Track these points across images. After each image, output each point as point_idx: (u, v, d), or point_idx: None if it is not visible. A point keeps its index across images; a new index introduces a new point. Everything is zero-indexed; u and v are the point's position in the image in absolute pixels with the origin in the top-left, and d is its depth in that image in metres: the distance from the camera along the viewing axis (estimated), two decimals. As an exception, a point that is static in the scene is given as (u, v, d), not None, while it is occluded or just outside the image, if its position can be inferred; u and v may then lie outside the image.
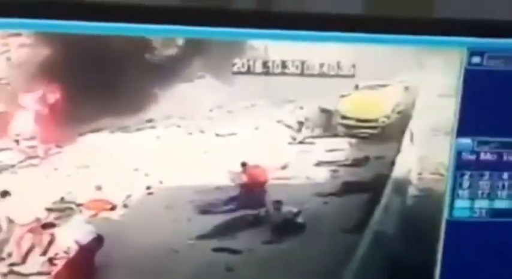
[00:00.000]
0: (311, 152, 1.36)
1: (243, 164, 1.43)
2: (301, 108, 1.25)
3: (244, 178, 1.51)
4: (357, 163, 1.27)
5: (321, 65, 1.16)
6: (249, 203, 1.50)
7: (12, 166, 1.52)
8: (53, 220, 1.47)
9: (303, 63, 1.17)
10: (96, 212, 1.60)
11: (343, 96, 1.19)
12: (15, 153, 1.76)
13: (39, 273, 1.48)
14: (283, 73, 1.18)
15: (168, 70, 1.22)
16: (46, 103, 1.32)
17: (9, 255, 1.57)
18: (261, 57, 1.16)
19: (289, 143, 1.38)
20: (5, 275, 1.53)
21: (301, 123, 1.42)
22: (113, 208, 1.67)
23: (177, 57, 1.20)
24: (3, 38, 1.12)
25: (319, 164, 1.31)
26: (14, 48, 1.19)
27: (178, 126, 1.35)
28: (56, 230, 1.46)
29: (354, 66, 1.15)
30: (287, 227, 1.57)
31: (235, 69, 1.18)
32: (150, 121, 1.34)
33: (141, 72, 1.21)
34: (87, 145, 1.37)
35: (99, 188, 1.56)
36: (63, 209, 1.58)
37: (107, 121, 1.33)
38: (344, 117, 1.23)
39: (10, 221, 1.55)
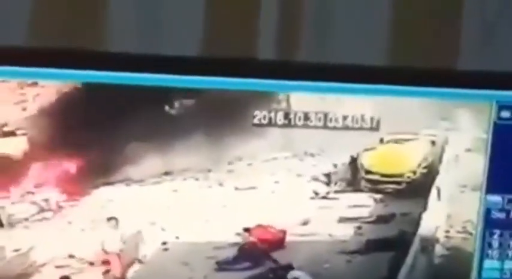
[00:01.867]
0: (334, 208, 1.31)
1: (246, 230, 1.41)
2: (324, 162, 1.22)
3: (256, 238, 1.47)
4: (381, 219, 1.23)
5: (345, 117, 1.13)
6: (267, 262, 1.44)
7: (26, 219, 1.48)
8: (68, 275, 1.43)
9: (325, 115, 1.14)
10: (108, 269, 1.54)
11: (367, 149, 1.16)
12: (28, 206, 1.71)
13: None
14: (305, 126, 1.15)
15: (187, 122, 1.20)
16: (61, 155, 1.28)
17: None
18: (282, 108, 1.14)
19: (311, 198, 1.34)
20: None
21: (323, 178, 1.36)
22: (128, 265, 1.56)
23: (196, 108, 1.18)
24: (20, 88, 1.10)
25: (342, 220, 1.26)
26: (31, 97, 1.13)
27: (197, 179, 1.31)
28: None
29: (378, 119, 1.12)
30: None
31: (255, 120, 1.15)
32: (167, 174, 1.30)
33: (159, 123, 1.18)
34: (102, 198, 1.33)
35: (112, 243, 1.48)
36: (76, 265, 1.51)
37: (123, 174, 1.29)
38: (368, 172, 1.20)
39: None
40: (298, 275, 1.61)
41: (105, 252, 1.51)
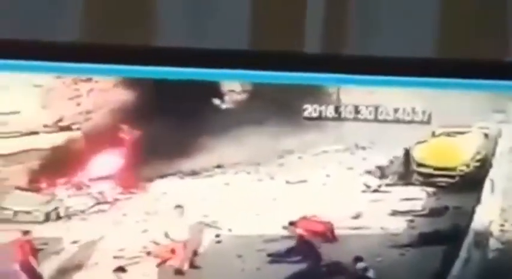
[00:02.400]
0: (385, 201, 1.29)
1: (292, 223, 1.38)
2: (375, 155, 1.21)
3: (304, 231, 1.45)
4: (434, 213, 1.21)
5: (396, 110, 1.11)
6: (318, 254, 1.41)
7: (82, 211, 1.52)
8: (123, 266, 1.45)
9: (376, 108, 1.13)
10: (164, 260, 1.55)
11: (419, 142, 1.14)
12: (85, 199, 1.75)
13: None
14: (355, 119, 1.14)
15: (238, 116, 1.19)
16: (115, 149, 1.30)
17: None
18: (333, 102, 1.13)
19: (362, 191, 1.32)
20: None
21: (374, 171, 1.35)
22: (189, 256, 1.53)
23: (247, 102, 1.17)
24: (75, 83, 1.11)
25: (394, 213, 1.24)
26: (85, 93, 1.18)
27: (248, 173, 1.31)
28: (124, 277, 1.44)
29: (430, 112, 1.11)
30: None
31: (306, 114, 1.14)
32: (219, 167, 1.31)
33: (210, 117, 1.19)
34: (156, 191, 1.34)
35: (167, 235, 1.51)
36: (131, 257, 1.53)
37: (176, 167, 1.30)
38: (420, 165, 1.18)
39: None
40: (365, 266, 1.56)
41: (160, 243, 1.52)
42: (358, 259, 1.44)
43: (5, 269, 1.82)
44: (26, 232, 1.99)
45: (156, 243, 1.47)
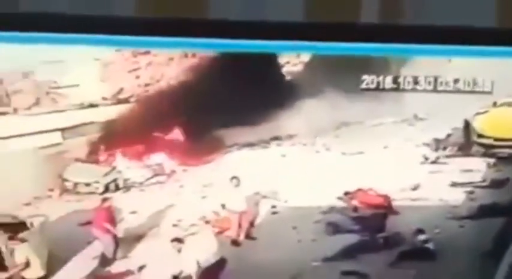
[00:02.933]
0: (444, 173, 1.28)
1: (347, 193, 1.38)
2: (433, 126, 1.20)
3: (361, 202, 1.45)
4: (495, 184, 1.19)
5: (456, 81, 1.10)
6: (375, 226, 1.41)
7: (141, 183, 1.58)
8: (180, 237, 1.47)
9: (436, 78, 1.11)
10: (221, 231, 1.57)
11: (479, 113, 1.12)
12: (143, 171, 1.80)
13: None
14: (414, 90, 1.13)
15: (295, 87, 1.19)
16: (173, 121, 1.31)
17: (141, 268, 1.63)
18: (391, 72, 1.12)
19: (421, 163, 1.30)
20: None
21: (433, 142, 1.34)
22: (246, 226, 1.62)
23: (303, 73, 1.17)
24: (134, 56, 1.12)
25: (453, 185, 1.23)
26: (144, 66, 1.18)
27: (304, 144, 1.31)
28: (182, 247, 1.47)
29: (491, 81, 1.09)
30: (417, 251, 1.50)
31: (363, 85, 1.13)
32: (275, 138, 1.32)
33: (267, 90, 1.18)
34: (212, 163, 1.36)
35: (223, 206, 1.54)
36: (188, 227, 1.57)
37: (232, 139, 1.31)
38: (481, 136, 1.17)
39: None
40: (425, 238, 1.57)
41: (217, 215, 1.54)
42: (420, 231, 1.44)
43: (86, 236, 1.97)
44: (104, 199, 2.10)
45: (213, 215, 1.49)
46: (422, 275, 1.42)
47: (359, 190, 1.31)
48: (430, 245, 1.57)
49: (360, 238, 1.38)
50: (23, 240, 2.25)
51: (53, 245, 1.99)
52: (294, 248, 1.40)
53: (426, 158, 1.30)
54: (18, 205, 2.80)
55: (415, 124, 1.22)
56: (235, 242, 1.69)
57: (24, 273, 2.28)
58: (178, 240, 1.72)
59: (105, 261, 2.00)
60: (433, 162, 1.29)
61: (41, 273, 2.22)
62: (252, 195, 1.38)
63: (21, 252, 2.15)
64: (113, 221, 2.03)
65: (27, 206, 2.97)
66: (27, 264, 2.31)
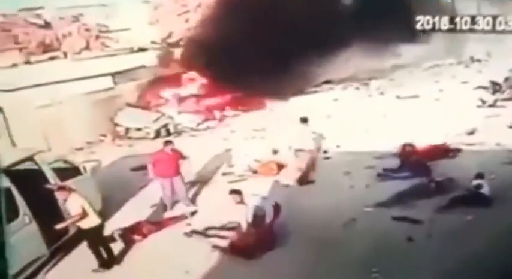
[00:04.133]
0: (502, 116, 2.65)
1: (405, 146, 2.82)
2: (492, 68, 3.07)
3: (415, 149, 3.20)
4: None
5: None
6: (429, 171, 2.83)
7: (192, 128, 4.61)
8: (238, 189, 3.29)
9: (494, 18, 2.76)
10: (271, 175, 4.47)
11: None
12: (194, 116, 4.95)
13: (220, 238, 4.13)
14: (472, 30, 2.97)
15: (348, 29, 3.24)
16: (222, 65, 3.70)
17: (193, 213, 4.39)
18: (447, 12, 3.05)
19: (478, 106, 3.03)
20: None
21: (491, 85, 3.31)
22: (281, 168, 4.58)
23: (356, 14, 3.31)
24: (183, -1, 3.56)
25: (511, 129, 2.29)
26: (193, 9, 3.73)
27: (357, 88, 3.72)
28: (236, 196, 3.40)
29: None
30: (472, 197, 2.90)
31: (418, 26, 3.15)
32: (327, 82, 3.75)
33: (318, 32, 3.19)
34: (264, 108, 4.10)
35: (275, 152, 4.26)
36: (240, 173, 4.52)
37: (284, 84, 3.63)
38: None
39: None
40: (481, 183, 3.28)
41: (268, 160, 4.83)
42: (479, 176, 2.89)
43: (138, 180, 5.68)
44: (167, 142, 5.80)
45: (264, 159, 4.23)
46: (478, 220, 2.70)
47: (413, 135, 2.56)
48: (485, 191, 3.19)
49: (413, 184, 2.94)
50: (75, 190, 5.31)
51: (106, 190, 4.67)
52: (346, 194, 3.10)
53: (483, 102, 3.34)
54: (71, 150, 7.17)
55: (472, 66, 3.34)
56: (287, 186, 4.22)
57: (81, 223, 5.23)
58: (236, 192, 4.35)
59: (165, 204, 5.19)
60: (491, 105, 3.21)
61: (96, 220, 5.00)
62: (303, 140, 3.11)
63: (75, 200, 4.80)
64: (177, 164, 4.96)
65: (80, 151, 8.59)
66: (83, 214, 5.31)
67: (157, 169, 6.91)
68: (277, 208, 4.83)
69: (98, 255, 6.03)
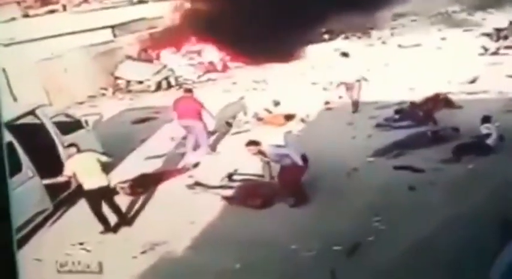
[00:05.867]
0: (505, 65, 2.66)
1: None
2: (494, 15, 3.00)
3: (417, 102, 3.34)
4: None
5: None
6: (431, 120, 2.86)
7: (192, 80, 4.75)
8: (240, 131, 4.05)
9: None
10: (273, 126, 4.76)
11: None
12: (194, 68, 5.17)
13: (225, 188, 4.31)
14: None
15: None
16: (226, 18, 3.97)
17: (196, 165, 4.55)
18: None
19: (480, 54, 3.10)
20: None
21: (493, 32, 3.24)
22: (289, 118, 4.73)
23: None
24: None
25: None
26: None
27: (359, 37, 3.63)
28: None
29: None
30: (476, 145, 2.96)
31: None
32: (327, 32, 3.46)
33: None
34: (263, 61, 4.31)
35: (277, 103, 4.41)
36: (244, 123, 4.76)
37: (285, 36, 3.50)
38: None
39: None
40: (489, 127, 3.36)
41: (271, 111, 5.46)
42: (486, 119, 2.84)
43: (139, 133, 5.85)
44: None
45: (267, 111, 4.44)
46: (480, 168, 2.76)
47: (415, 84, 2.79)
48: (493, 139, 3.20)
49: (416, 133, 3.03)
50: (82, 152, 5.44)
51: (108, 143, 4.68)
52: (349, 144, 3.16)
53: (486, 49, 3.28)
54: (72, 104, 7.19)
55: (475, 13, 3.12)
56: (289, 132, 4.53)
57: (85, 184, 5.31)
58: (253, 143, 4.44)
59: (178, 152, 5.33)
60: (493, 53, 3.16)
61: (103, 181, 5.07)
62: (304, 90, 3.67)
63: (71, 163, 4.95)
64: (199, 110, 5.19)
65: (81, 104, 8.58)
66: (67, 179, 5.52)
67: (181, 112, 7.15)
68: (305, 159, 4.86)
69: (102, 219, 5.93)
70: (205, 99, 6.57)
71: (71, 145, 5.97)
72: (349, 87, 6.47)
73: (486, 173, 4.57)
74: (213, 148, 7.70)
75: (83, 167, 5.75)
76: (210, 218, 5.37)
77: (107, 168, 6.01)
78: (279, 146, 5.17)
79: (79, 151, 5.89)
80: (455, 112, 5.81)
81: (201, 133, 7.15)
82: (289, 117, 7.40)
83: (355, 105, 6.89)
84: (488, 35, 8.91)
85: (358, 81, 6.85)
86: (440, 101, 6.02)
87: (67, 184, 6.09)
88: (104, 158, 5.92)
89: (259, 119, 7.49)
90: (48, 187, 5.98)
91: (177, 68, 9.10)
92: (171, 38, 8.23)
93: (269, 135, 6.01)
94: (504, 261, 2.22)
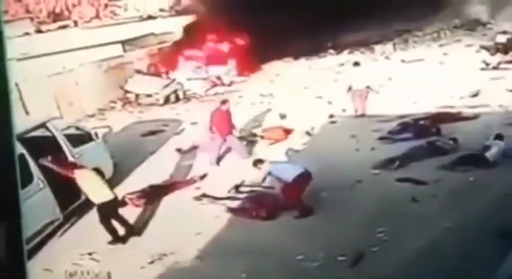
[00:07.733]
0: (506, 79, 2.75)
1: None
2: (495, 30, 2.95)
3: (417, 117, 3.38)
4: None
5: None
6: (433, 134, 3.15)
7: (200, 94, 4.73)
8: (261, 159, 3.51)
9: None
10: (273, 142, 4.79)
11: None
12: (202, 82, 5.39)
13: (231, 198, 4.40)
14: None
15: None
16: (233, 31, 3.86)
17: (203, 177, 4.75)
18: None
19: (481, 69, 3.12)
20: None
21: (495, 47, 3.25)
22: (288, 132, 4.81)
23: None
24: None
25: None
26: None
27: (362, 52, 3.48)
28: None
29: None
30: (476, 158, 3.19)
31: None
32: (333, 48, 3.44)
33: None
34: (271, 73, 3.92)
35: (283, 116, 4.52)
36: (247, 137, 4.70)
37: (291, 49, 3.63)
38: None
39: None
40: (497, 143, 3.61)
41: (276, 125, 5.40)
42: (499, 137, 2.97)
43: (148, 146, 5.98)
44: (223, 102, 5.88)
45: (271, 124, 4.36)
46: (480, 181, 2.86)
47: (417, 98, 2.86)
48: (492, 153, 3.36)
49: (417, 145, 3.18)
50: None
51: (117, 156, 4.84)
52: (352, 157, 3.34)
53: (487, 64, 3.32)
54: (83, 117, 7.27)
55: (476, 29, 3.06)
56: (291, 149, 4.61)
57: (93, 198, 5.40)
58: (259, 161, 4.68)
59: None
60: (495, 68, 3.16)
61: (109, 195, 5.08)
62: (310, 104, 3.57)
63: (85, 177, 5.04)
64: (231, 122, 5.12)
65: (91, 117, 8.50)
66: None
67: (215, 126, 7.01)
68: (303, 176, 4.87)
69: (111, 230, 6.01)
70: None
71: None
72: (356, 95, 6.57)
73: (487, 186, 4.67)
74: (217, 161, 7.63)
75: (87, 185, 5.88)
76: (216, 229, 5.50)
77: (112, 182, 6.28)
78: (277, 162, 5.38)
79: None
80: (457, 126, 5.92)
81: (234, 144, 7.12)
82: (288, 131, 7.44)
83: (362, 110, 7.02)
84: (486, 47, 8.95)
85: (368, 87, 6.98)
86: (440, 115, 6.13)
87: (77, 194, 6.14)
88: (107, 174, 6.29)
89: (261, 137, 7.44)
90: (58, 198, 6.05)
91: (185, 82, 9.17)
92: (179, 52, 8.28)
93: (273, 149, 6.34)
94: (506, 271, 2.27)
